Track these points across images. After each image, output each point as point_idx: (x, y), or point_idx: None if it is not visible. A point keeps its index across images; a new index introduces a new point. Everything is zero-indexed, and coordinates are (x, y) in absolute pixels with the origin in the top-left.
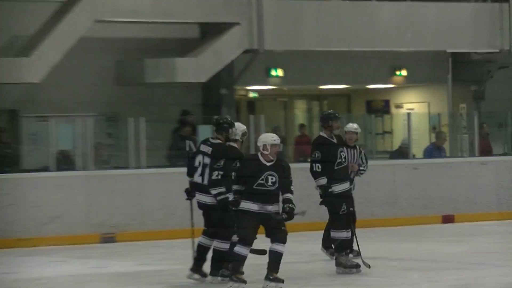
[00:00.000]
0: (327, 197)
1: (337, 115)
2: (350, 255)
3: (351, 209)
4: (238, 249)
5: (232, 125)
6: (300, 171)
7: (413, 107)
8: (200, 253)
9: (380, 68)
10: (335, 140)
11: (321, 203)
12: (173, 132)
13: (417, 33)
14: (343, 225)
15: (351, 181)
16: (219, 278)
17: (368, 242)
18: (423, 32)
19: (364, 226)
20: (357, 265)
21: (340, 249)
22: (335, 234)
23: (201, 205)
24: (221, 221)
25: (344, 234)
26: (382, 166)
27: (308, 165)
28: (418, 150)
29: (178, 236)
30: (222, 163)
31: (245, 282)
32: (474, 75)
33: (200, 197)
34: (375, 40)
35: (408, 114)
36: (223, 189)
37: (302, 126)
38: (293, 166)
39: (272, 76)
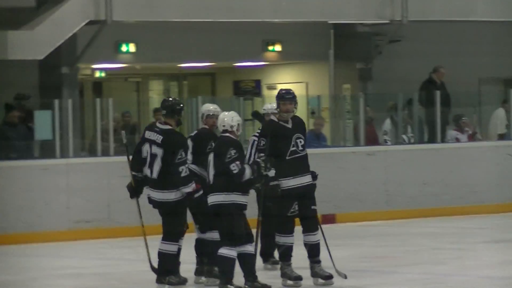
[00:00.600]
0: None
1: (285, 95)
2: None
3: (313, 207)
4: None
5: (182, 108)
6: None
7: (288, 88)
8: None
9: (250, 43)
10: (290, 125)
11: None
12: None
13: (293, 1)
14: (290, 228)
15: (315, 176)
16: (167, 287)
17: None
18: (301, 0)
19: None
20: (300, 277)
21: (286, 257)
22: (281, 239)
23: (153, 203)
24: (171, 220)
25: (291, 239)
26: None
27: None
28: None
29: None
30: (183, 155)
31: None
32: (360, 51)
33: (151, 193)
34: (244, 10)
35: None
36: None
37: (157, 110)
38: None
39: (123, 52)
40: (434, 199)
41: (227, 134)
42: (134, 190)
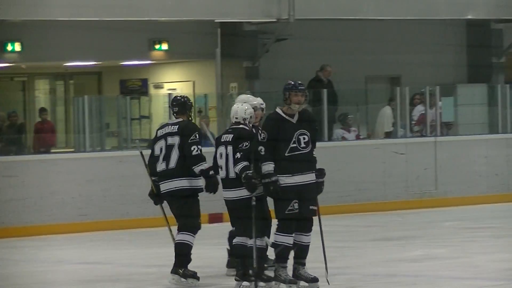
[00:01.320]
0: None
1: (299, 85)
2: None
3: (311, 207)
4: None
5: (192, 105)
6: (42, 163)
7: (175, 87)
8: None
9: (136, 41)
10: (295, 119)
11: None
12: None
13: (179, 0)
14: (288, 228)
15: (321, 173)
16: (183, 280)
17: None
18: None
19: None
20: (294, 281)
21: (282, 259)
22: (278, 238)
23: (167, 194)
24: (185, 210)
25: (290, 240)
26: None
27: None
28: None
29: None
30: (197, 136)
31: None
32: (247, 49)
33: (164, 185)
34: (130, 8)
35: (169, 95)
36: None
37: (42, 110)
38: (33, 158)
39: (8, 51)
40: (321, 197)
41: (242, 126)
42: (157, 196)
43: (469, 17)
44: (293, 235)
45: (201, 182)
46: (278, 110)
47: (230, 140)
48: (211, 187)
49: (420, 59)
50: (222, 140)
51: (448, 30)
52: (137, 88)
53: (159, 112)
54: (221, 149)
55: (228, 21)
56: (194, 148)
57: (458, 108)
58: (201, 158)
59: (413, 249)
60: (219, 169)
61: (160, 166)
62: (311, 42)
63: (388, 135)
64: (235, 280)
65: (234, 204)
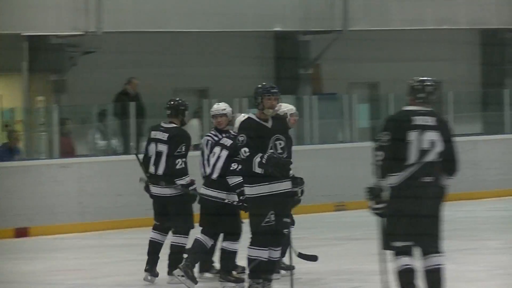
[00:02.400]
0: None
1: (271, 89)
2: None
3: (284, 219)
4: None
5: (187, 109)
6: None
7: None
8: (153, 251)
9: None
10: (270, 124)
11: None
12: None
13: None
14: (263, 240)
15: (299, 182)
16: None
17: None
18: None
19: None
20: None
21: (256, 274)
22: (253, 252)
23: (155, 198)
24: (179, 214)
25: (265, 254)
26: None
27: None
28: None
29: None
30: (183, 149)
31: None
32: (54, 63)
33: (154, 189)
34: None
35: None
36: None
37: None
38: None
39: None
40: (128, 210)
41: None
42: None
43: (277, 29)
44: (267, 249)
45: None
46: (251, 115)
47: (228, 145)
48: (191, 200)
49: (228, 71)
50: (220, 142)
51: (255, 42)
52: None
53: None
54: (217, 149)
55: (34, 34)
56: (178, 162)
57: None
58: (183, 172)
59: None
60: (206, 166)
61: (151, 169)
62: (119, 55)
63: (196, 147)
64: (219, 280)
65: (209, 203)
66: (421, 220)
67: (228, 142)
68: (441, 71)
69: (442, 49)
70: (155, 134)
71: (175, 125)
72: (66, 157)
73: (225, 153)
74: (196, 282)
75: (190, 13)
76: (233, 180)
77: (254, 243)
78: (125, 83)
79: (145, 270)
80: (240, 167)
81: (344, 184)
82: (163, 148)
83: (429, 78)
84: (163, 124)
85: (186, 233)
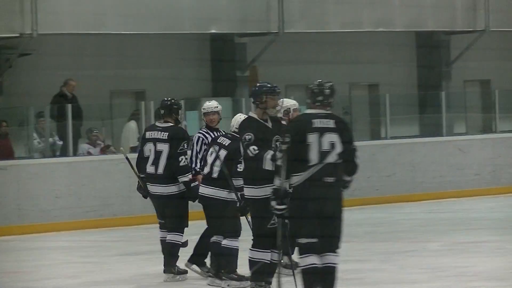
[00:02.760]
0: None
1: (276, 88)
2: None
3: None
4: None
5: (180, 108)
6: None
7: None
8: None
9: None
10: (270, 124)
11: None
12: None
13: None
14: (266, 242)
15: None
16: (177, 276)
17: None
18: None
19: None
20: None
21: (258, 276)
22: (256, 254)
23: (155, 197)
24: (175, 211)
25: (268, 256)
26: None
27: None
28: None
29: None
30: (184, 146)
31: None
32: None
33: (154, 188)
34: None
35: None
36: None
37: None
38: None
39: None
40: (68, 212)
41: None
42: (145, 190)
43: (213, 31)
44: (270, 251)
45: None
46: (252, 115)
47: (226, 144)
48: (193, 198)
49: (164, 73)
50: (218, 141)
51: (192, 44)
52: None
53: None
54: (216, 148)
55: None
56: (181, 159)
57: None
58: (187, 170)
59: (159, 263)
60: (193, 162)
61: (149, 169)
62: (55, 57)
63: (133, 149)
64: (223, 279)
65: (209, 201)
66: (321, 219)
67: (226, 141)
68: (379, 74)
69: (379, 51)
70: (151, 134)
71: (171, 124)
72: (4, 159)
73: (223, 152)
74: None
75: (127, 15)
76: (240, 182)
77: (257, 245)
78: (61, 85)
79: (164, 272)
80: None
81: None
82: (164, 147)
83: (327, 82)
84: (158, 124)
85: (181, 231)
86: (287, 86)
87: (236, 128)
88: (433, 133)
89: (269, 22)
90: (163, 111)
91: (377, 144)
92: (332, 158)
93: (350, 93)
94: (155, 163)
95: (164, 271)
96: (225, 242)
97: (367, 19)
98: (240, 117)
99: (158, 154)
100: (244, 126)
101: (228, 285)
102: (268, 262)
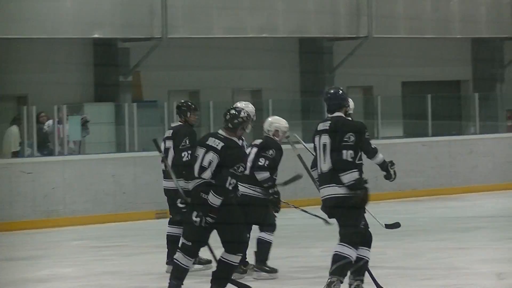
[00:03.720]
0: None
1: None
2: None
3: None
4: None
5: (191, 109)
6: None
7: None
8: (171, 244)
9: None
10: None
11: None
12: None
13: None
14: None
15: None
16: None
17: None
18: None
19: None
20: None
21: (362, 271)
22: (360, 252)
23: (166, 192)
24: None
25: (355, 255)
26: None
27: None
28: None
29: None
30: (187, 142)
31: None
32: None
33: (164, 183)
34: None
35: None
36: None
37: None
38: None
39: None
40: None
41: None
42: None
43: (96, 36)
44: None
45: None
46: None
47: (258, 143)
48: None
49: (48, 78)
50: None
51: (75, 49)
52: None
53: None
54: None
55: None
56: (184, 154)
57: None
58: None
59: (41, 268)
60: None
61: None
62: None
63: (15, 154)
64: (254, 270)
65: (243, 198)
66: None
67: (257, 140)
68: (262, 79)
69: (263, 57)
70: (165, 133)
71: (180, 123)
72: None
73: (254, 150)
74: (276, 271)
75: (8, 19)
76: (262, 175)
77: (348, 242)
78: None
79: (167, 263)
80: (267, 162)
81: None
82: (169, 144)
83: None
84: (172, 124)
85: (181, 223)
86: (170, 92)
87: (268, 130)
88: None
89: (152, 27)
90: (176, 112)
91: None
92: (206, 174)
93: (233, 99)
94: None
95: (167, 263)
96: (262, 235)
97: (251, 24)
98: (267, 120)
99: (166, 151)
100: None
101: (258, 277)
102: (353, 260)
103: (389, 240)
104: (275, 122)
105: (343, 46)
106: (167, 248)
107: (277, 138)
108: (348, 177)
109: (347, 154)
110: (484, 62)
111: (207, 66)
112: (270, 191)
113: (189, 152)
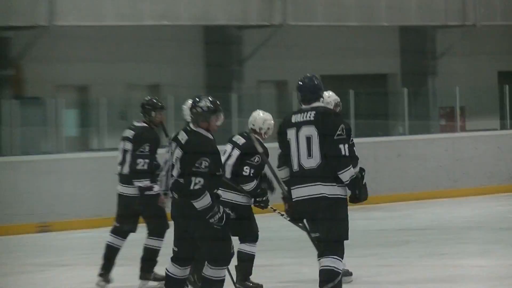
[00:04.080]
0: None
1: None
2: None
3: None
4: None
5: (156, 108)
6: None
7: None
8: (110, 256)
9: None
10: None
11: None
12: None
13: None
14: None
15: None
16: (155, 283)
17: None
18: None
19: None
20: None
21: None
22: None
23: (120, 197)
24: (152, 215)
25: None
26: None
27: None
28: None
29: None
30: (147, 149)
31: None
32: None
33: (120, 188)
34: None
35: None
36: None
37: None
38: None
39: None
40: None
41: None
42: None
43: None
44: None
45: (157, 187)
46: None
47: (240, 144)
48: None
49: None
50: (232, 139)
51: None
52: None
53: None
54: (228, 147)
55: None
56: (140, 162)
57: None
58: (144, 173)
59: None
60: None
61: (118, 168)
62: None
63: None
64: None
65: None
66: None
67: (240, 140)
68: (161, 73)
69: (162, 48)
70: (124, 133)
71: (144, 125)
72: None
73: (236, 152)
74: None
75: None
76: (249, 186)
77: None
78: None
79: (99, 275)
80: (253, 171)
81: (49, 202)
82: (128, 146)
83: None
84: (134, 123)
85: (160, 235)
86: (57, 87)
87: (252, 125)
88: (224, 139)
89: (36, 14)
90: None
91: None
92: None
93: (127, 95)
94: (122, 163)
95: (140, 277)
96: (242, 247)
97: (148, 11)
98: (257, 116)
99: (125, 153)
100: None
101: None
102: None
103: (305, 257)
104: (269, 120)
105: (254, 35)
106: (104, 259)
107: (263, 137)
108: (347, 174)
109: (345, 149)
110: (414, 54)
111: (98, 59)
112: (258, 199)
113: (146, 161)
